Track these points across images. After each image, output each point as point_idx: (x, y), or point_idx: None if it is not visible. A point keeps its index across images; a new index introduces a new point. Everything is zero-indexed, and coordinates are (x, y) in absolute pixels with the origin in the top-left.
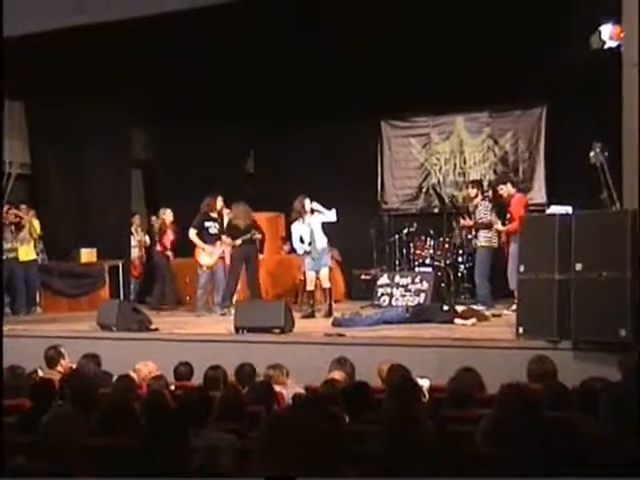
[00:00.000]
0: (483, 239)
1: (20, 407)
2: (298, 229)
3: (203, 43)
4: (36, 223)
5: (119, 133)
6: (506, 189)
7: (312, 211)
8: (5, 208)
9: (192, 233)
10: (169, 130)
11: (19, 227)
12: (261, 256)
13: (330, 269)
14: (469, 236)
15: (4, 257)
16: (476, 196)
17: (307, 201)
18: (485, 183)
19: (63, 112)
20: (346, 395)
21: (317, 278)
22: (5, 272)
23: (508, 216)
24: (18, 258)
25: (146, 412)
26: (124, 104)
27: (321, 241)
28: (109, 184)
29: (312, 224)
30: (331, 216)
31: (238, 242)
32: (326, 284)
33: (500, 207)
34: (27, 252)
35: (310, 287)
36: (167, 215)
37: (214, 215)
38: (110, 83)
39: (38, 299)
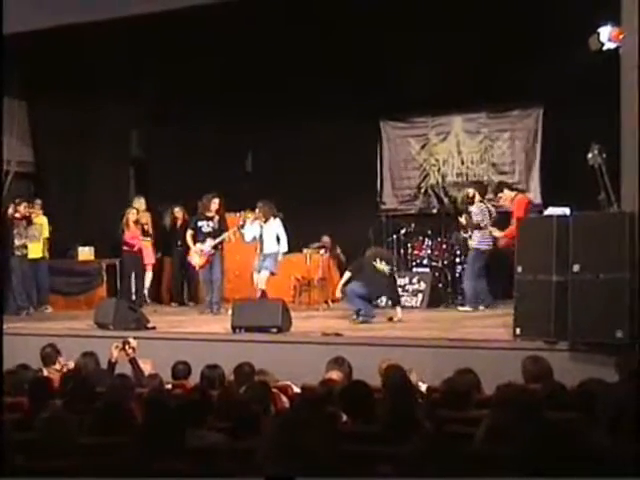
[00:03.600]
0: (475, 240)
1: (19, 405)
2: (253, 229)
3: (202, 42)
4: (45, 221)
5: (118, 132)
6: (505, 196)
7: (275, 217)
8: (16, 202)
9: (187, 234)
10: (166, 129)
11: (29, 223)
12: None
13: (272, 274)
14: (465, 236)
15: (17, 254)
16: (473, 197)
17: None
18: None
19: (64, 111)
20: (345, 395)
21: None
22: (15, 270)
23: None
24: (27, 255)
25: (145, 411)
26: (124, 102)
27: (269, 247)
28: (108, 182)
29: (266, 229)
30: (281, 246)
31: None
32: (261, 286)
33: (504, 213)
34: (36, 249)
35: (260, 287)
36: (133, 210)
37: (209, 214)
38: (112, 81)
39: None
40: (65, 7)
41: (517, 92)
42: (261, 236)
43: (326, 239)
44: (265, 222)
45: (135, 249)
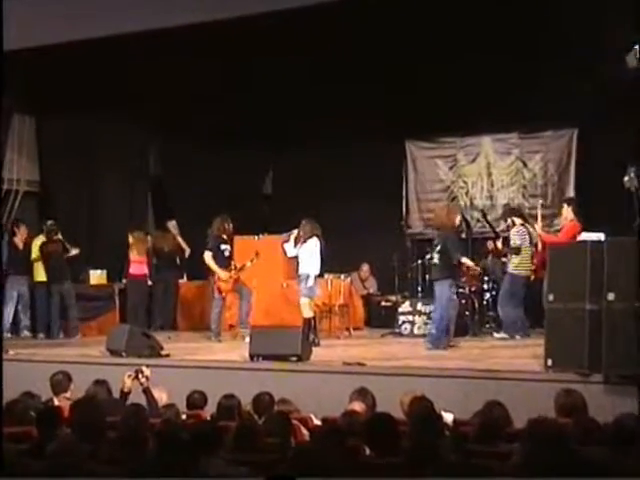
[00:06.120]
0: (514, 264)
1: (27, 434)
2: (292, 249)
3: (222, 58)
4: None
5: (133, 150)
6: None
7: (312, 236)
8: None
9: (208, 256)
10: (184, 147)
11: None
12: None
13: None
14: (496, 261)
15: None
16: (513, 223)
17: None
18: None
19: (74, 128)
20: (369, 427)
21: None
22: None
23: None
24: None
25: (158, 442)
26: (139, 120)
27: (302, 268)
28: (122, 202)
29: (303, 249)
30: (311, 268)
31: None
32: (304, 314)
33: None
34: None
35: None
36: (134, 234)
37: (227, 237)
38: (124, 98)
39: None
40: (75, 22)
41: (550, 111)
42: (297, 256)
43: (365, 267)
44: (304, 242)
45: (139, 275)
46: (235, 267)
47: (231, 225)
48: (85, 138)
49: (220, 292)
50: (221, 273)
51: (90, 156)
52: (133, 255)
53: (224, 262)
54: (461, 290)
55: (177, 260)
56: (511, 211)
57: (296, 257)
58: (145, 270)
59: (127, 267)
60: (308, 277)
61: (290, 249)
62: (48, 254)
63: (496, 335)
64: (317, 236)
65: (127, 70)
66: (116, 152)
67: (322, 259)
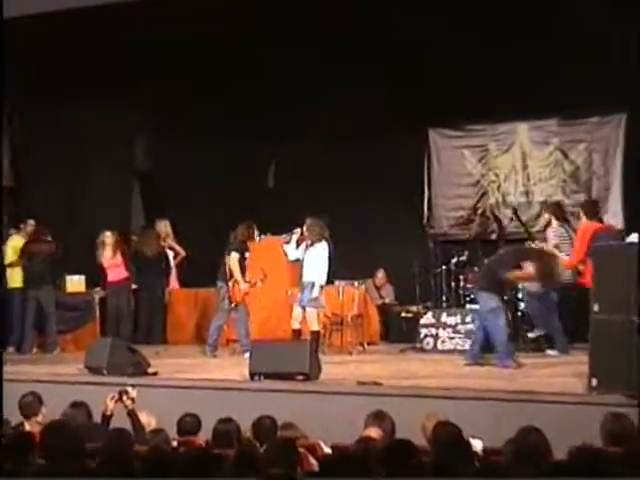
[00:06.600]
0: None
1: None
2: (297, 250)
3: (222, 39)
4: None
5: (118, 140)
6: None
7: (321, 240)
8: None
9: (234, 259)
10: (176, 137)
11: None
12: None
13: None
14: None
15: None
16: (549, 221)
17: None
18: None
19: (51, 116)
20: (387, 455)
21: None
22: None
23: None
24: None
25: (145, 472)
26: (125, 108)
27: (308, 275)
28: (105, 199)
29: (309, 253)
30: (317, 275)
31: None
32: (313, 327)
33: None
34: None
35: (294, 325)
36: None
37: (249, 244)
38: (111, 80)
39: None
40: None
41: (595, 94)
42: (303, 259)
43: (381, 274)
44: (311, 244)
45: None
46: (249, 281)
47: (256, 232)
48: (65, 126)
49: (231, 301)
50: (242, 282)
51: (69, 147)
52: (111, 258)
53: (243, 271)
54: None
55: (162, 265)
56: (548, 207)
57: (298, 260)
58: (125, 273)
59: (104, 273)
60: (313, 286)
61: (292, 251)
62: (29, 256)
63: (550, 352)
64: (326, 239)
65: (115, 47)
66: (101, 142)
67: (330, 266)
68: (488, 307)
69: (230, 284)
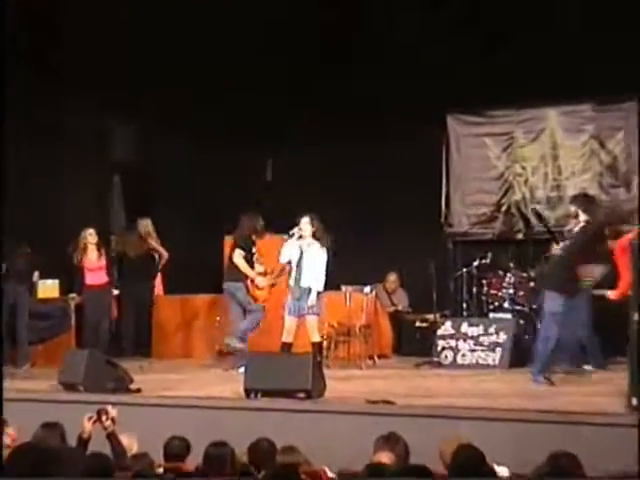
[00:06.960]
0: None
1: None
2: (293, 250)
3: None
4: None
5: (97, 129)
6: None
7: (319, 239)
8: None
9: (238, 255)
10: (163, 125)
11: None
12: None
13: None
14: None
15: None
16: (577, 215)
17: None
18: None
19: (23, 103)
20: None
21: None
22: None
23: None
24: None
25: None
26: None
27: (307, 279)
28: (80, 195)
29: (308, 254)
30: (314, 281)
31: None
32: (314, 337)
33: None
34: None
35: (286, 338)
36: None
37: (255, 238)
38: (88, 63)
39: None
40: None
41: (635, 76)
42: (300, 261)
43: (392, 278)
44: (308, 245)
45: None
46: (270, 271)
47: (262, 224)
48: (39, 115)
49: (256, 300)
50: (257, 277)
51: (42, 138)
52: (97, 260)
53: (252, 267)
54: (518, 307)
55: (149, 268)
56: (574, 199)
57: (289, 263)
58: (105, 278)
59: (81, 276)
60: (309, 292)
61: (285, 252)
62: None
63: (585, 368)
64: (325, 240)
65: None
66: (75, 134)
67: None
68: (549, 309)
69: (248, 283)
